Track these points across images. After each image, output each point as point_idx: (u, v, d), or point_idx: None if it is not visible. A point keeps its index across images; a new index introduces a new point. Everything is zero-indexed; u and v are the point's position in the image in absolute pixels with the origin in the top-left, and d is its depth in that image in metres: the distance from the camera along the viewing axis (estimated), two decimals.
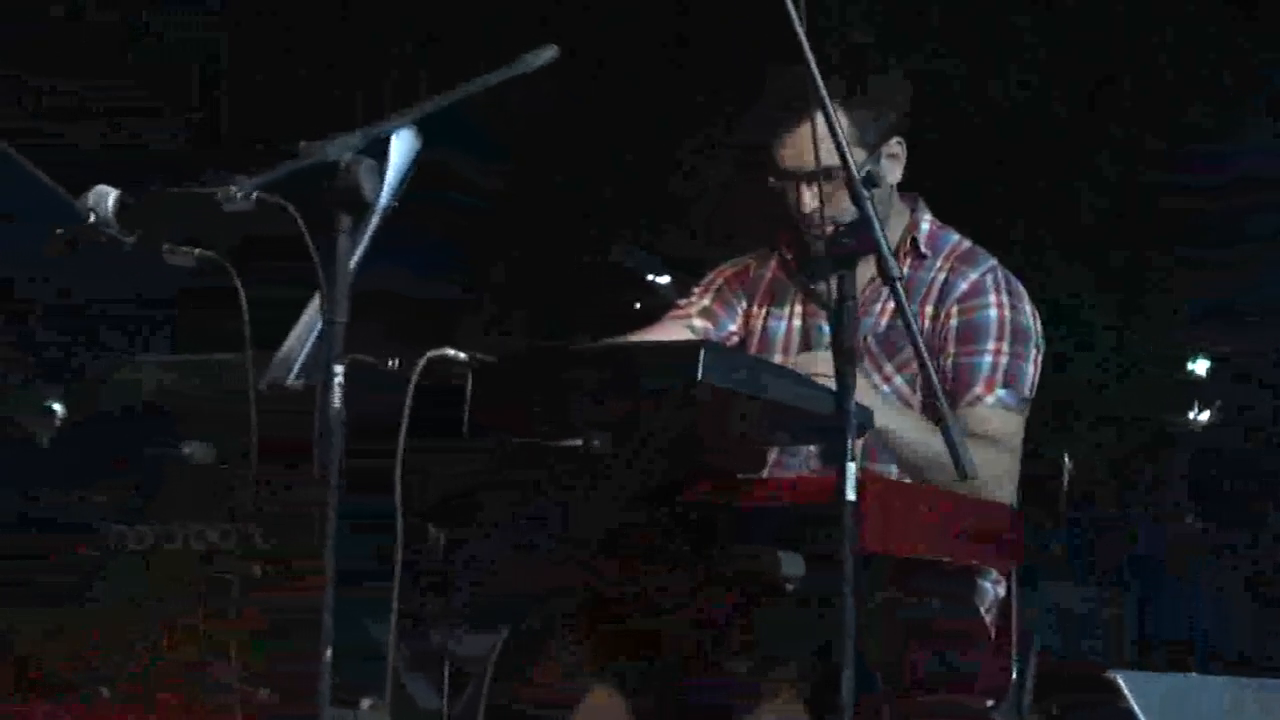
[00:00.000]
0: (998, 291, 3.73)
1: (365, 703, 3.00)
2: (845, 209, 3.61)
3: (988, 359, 3.67)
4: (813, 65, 2.79)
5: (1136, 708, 3.07)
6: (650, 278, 3.91)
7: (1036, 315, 3.76)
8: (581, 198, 7.27)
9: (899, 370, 3.69)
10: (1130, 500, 7.16)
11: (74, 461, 2.93)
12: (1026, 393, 3.68)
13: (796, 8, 2.78)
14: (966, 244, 3.83)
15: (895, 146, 3.77)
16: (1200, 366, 6.75)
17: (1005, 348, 3.67)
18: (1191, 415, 6.59)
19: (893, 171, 3.76)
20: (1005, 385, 3.64)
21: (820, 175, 3.58)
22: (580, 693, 3.22)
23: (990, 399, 3.63)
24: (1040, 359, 3.72)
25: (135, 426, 2.92)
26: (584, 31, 6.42)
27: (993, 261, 3.78)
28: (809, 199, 3.68)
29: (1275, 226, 6.65)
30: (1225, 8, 6.82)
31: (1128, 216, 7.06)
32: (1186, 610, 7.06)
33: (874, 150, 3.69)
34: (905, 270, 3.71)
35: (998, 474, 3.49)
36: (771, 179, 3.74)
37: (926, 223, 3.82)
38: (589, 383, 2.85)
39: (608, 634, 3.14)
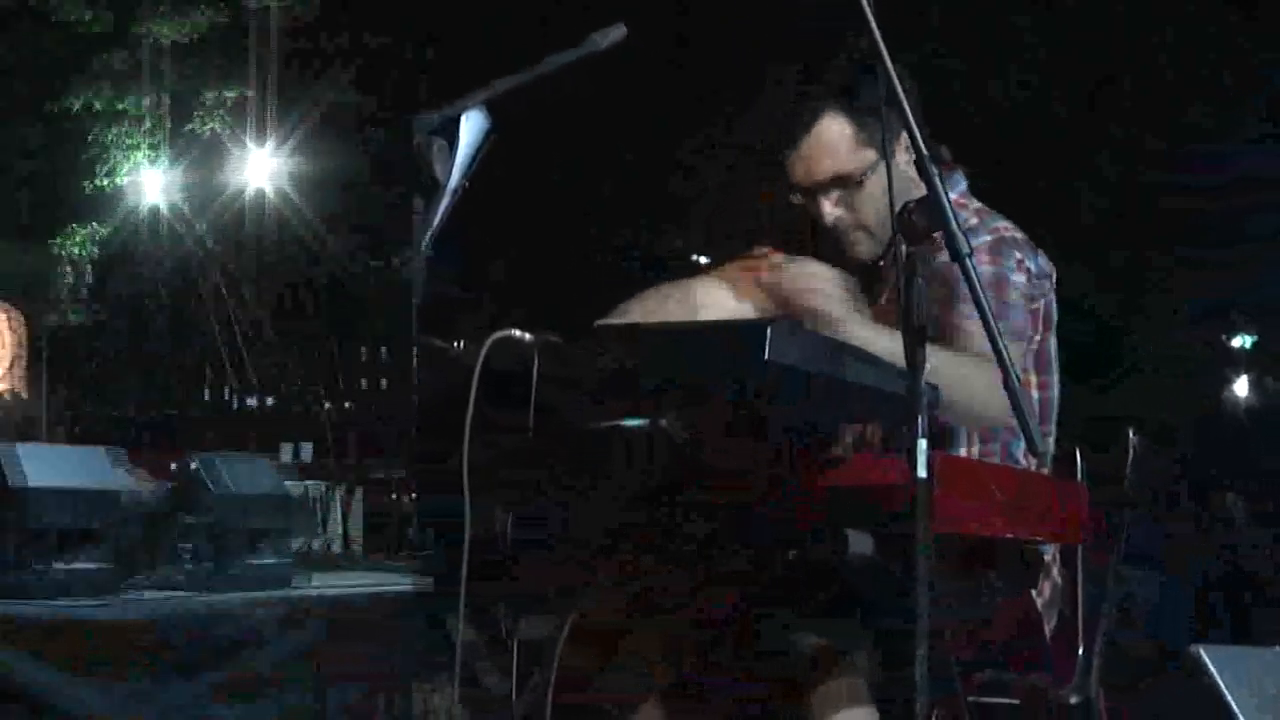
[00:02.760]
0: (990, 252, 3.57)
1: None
2: (869, 214, 3.57)
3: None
4: (889, 64, 2.76)
5: (1221, 683, 3.05)
6: None
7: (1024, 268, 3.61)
8: (581, 196, 7.27)
9: None
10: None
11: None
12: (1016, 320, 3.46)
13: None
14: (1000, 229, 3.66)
15: (905, 139, 3.67)
16: (1245, 341, 6.78)
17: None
18: (1233, 389, 6.62)
19: (908, 167, 3.68)
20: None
21: (836, 184, 3.55)
22: (646, 687, 3.19)
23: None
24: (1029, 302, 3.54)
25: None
26: (583, 31, 6.41)
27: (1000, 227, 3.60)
28: (829, 210, 3.61)
29: (1275, 226, 6.68)
30: (1225, 8, 6.86)
31: (1128, 216, 7.09)
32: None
33: (884, 147, 3.62)
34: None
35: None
36: (793, 196, 3.67)
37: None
38: (656, 362, 2.82)
39: (676, 617, 3.12)
